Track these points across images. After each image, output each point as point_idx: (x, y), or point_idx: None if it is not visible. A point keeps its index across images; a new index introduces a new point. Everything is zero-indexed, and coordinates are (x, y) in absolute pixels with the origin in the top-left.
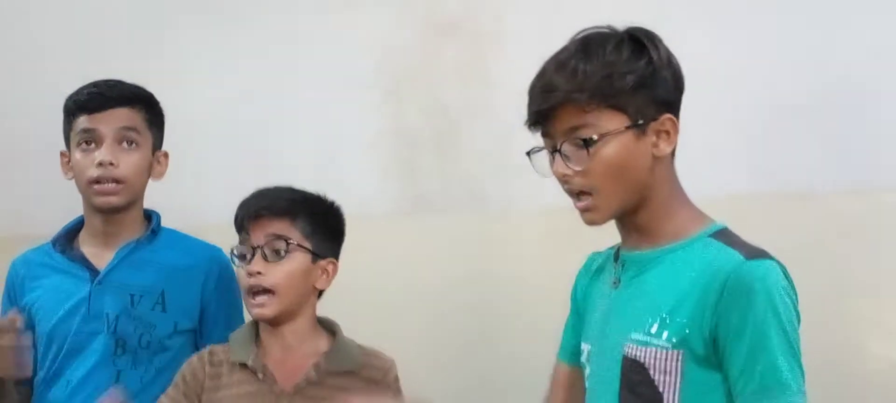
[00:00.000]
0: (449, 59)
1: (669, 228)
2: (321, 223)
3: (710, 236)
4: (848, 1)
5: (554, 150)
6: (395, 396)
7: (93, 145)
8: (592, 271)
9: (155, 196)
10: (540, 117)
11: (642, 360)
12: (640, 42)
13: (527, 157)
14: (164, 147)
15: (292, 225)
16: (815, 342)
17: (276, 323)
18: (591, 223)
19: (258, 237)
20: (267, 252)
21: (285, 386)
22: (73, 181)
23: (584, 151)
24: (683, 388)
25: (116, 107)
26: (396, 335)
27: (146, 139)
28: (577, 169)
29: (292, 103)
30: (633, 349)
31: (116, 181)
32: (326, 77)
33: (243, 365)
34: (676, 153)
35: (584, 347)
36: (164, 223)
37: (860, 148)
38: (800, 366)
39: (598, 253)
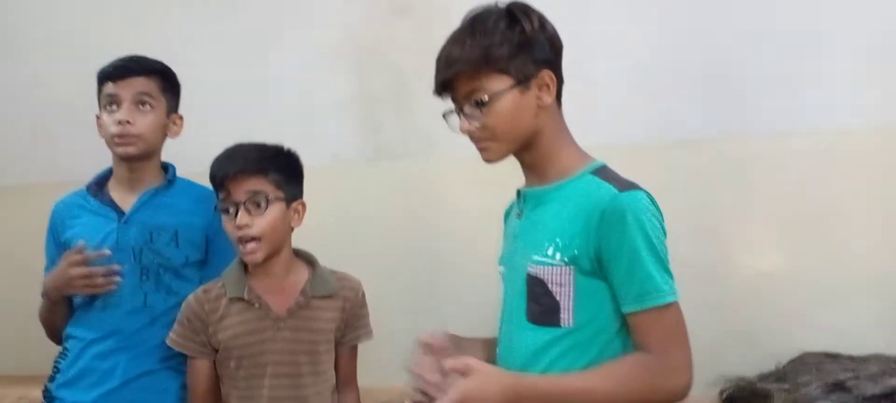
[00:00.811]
0: (404, 34)
1: (558, 167)
2: (287, 171)
3: (591, 173)
4: None
5: (459, 111)
6: (361, 309)
7: (115, 107)
8: (509, 210)
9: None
10: (443, 86)
11: (541, 277)
12: (514, 15)
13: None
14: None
15: (266, 179)
16: (700, 258)
17: (264, 261)
18: (488, 161)
19: (239, 194)
20: (249, 206)
21: (279, 312)
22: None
23: (480, 110)
24: (576, 296)
25: (135, 76)
26: (363, 256)
27: (160, 103)
28: (477, 125)
29: (276, 71)
30: (534, 268)
31: (132, 135)
32: (303, 50)
33: (239, 299)
34: (562, 103)
35: (500, 269)
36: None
37: (733, 102)
38: (669, 273)
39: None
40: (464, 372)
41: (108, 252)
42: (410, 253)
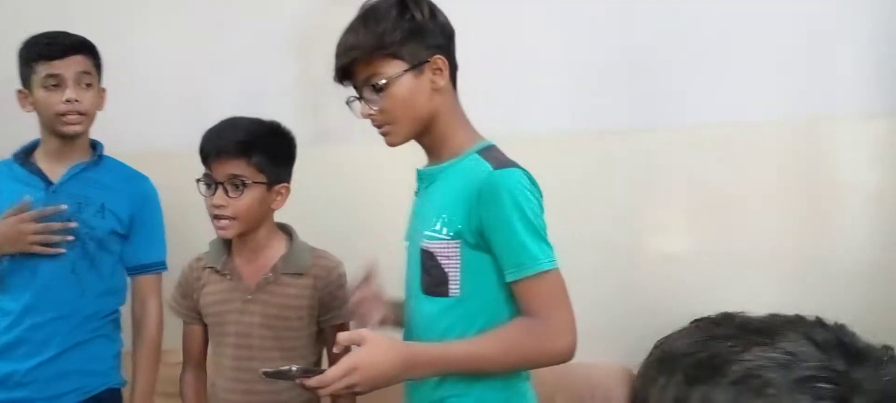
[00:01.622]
0: (345, 23)
1: (450, 147)
2: (274, 153)
3: (477, 152)
4: None
5: (360, 98)
6: (338, 290)
7: (56, 85)
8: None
9: (118, 125)
10: (343, 73)
11: (432, 250)
12: (405, 4)
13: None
14: (113, 92)
15: (248, 163)
16: (617, 239)
17: (239, 237)
18: (391, 145)
19: (219, 174)
20: (227, 187)
21: (250, 284)
22: (32, 112)
23: (378, 94)
24: (463, 267)
25: (75, 54)
26: (307, 239)
27: (96, 79)
28: (375, 109)
29: (225, 56)
30: (426, 243)
31: (80, 113)
32: (250, 37)
33: (216, 269)
34: (458, 86)
35: (405, 244)
36: (123, 149)
37: (650, 96)
38: (545, 242)
39: None
40: (358, 343)
41: (64, 207)
42: (349, 228)
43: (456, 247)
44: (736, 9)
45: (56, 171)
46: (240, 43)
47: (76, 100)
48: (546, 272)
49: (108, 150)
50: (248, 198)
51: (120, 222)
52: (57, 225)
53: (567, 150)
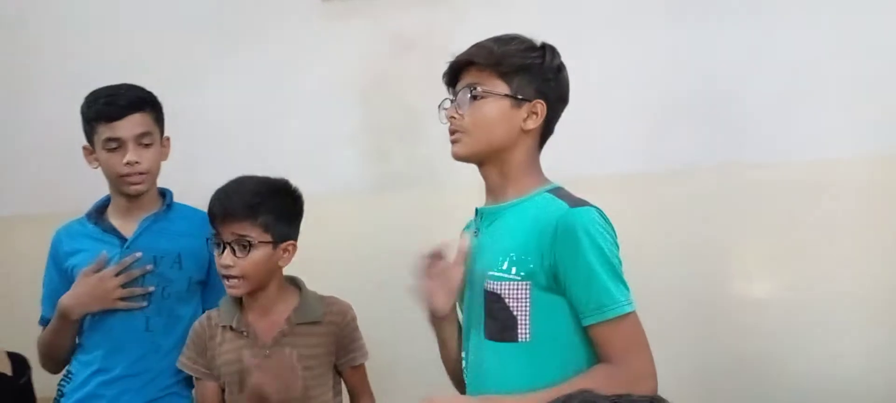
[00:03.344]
0: (411, 67)
1: (517, 187)
2: (280, 212)
3: (547, 192)
4: (716, 18)
5: (453, 100)
6: (353, 332)
7: (118, 149)
8: (467, 227)
9: (184, 180)
10: (452, 74)
11: (498, 291)
12: (542, 46)
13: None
14: (183, 139)
15: (253, 223)
16: (694, 286)
17: (249, 294)
18: (455, 155)
19: (226, 234)
20: (234, 247)
21: (265, 339)
22: (98, 169)
23: (470, 100)
24: (532, 310)
25: (133, 113)
26: (370, 284)
27: (157, 135)
28: (461, 112)
29: (287, 105)
30: (491, 284)
31: (141, 173)
32: (313, 83)
33: (230, 327)
34: (578, 147)
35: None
36: (190, 202)
37: (727, 134)
38: (624, 283)
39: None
40: None
41: (140, 254)
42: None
43: (526, 289)
44: (821, 40)
45: (128, 227)
46: (303, 91)
47: (137, 162)
48: (626, 315)
49: (177, 198)
50: (255, 258)
51: (199, 269)
52: (136, 272)
53: (638, 191)
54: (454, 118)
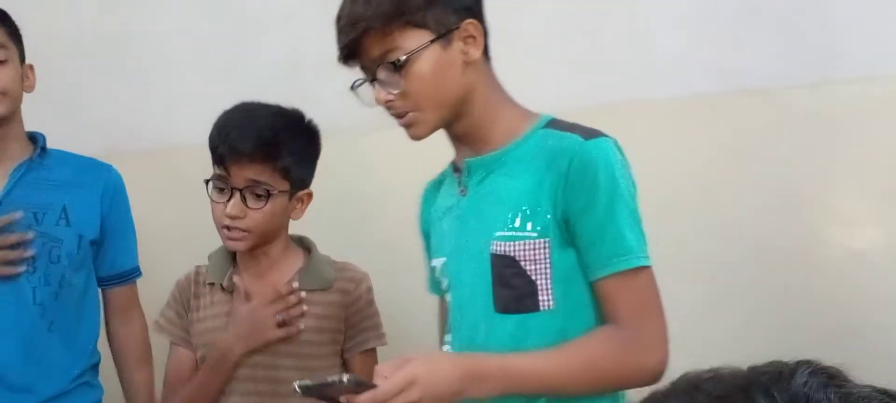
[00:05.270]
0: None
1: (500, 129)
2: (300, 153)
3: (544, 127)
4: None
5: (372, 80)
6: (367, 306)
7: None
8: (430, 195)
9: (130, 117)
10: (349, 51)
11: (512, 254)
12: None
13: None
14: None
15: (274, 168)
16: (780, 234)
17: (249, 250)
18: (415, 138)
19: (238, 179)
20: (247, 195)
21: None
22: None
23: (397, 74)
24: (554, 273)
25: None
26: (366, 236)
27: (13, 52)
28: (395, 92)
29: (258, 20)
30: (500, 245)
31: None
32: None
33: (222, 286)
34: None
35: (437, 262)
36: (137, 145)
37: (814, 44)
38: (642, 233)
39: (432, 181)
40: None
41: (19, 214)
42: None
43: (545, 248)
44: None
45: None
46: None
47: None
48: (642, 269)
49: (123, 146)
50: (269, 210)
51: (90, 226)
52: (13, 238)
53: (705, 116)
54: (391, 102)
